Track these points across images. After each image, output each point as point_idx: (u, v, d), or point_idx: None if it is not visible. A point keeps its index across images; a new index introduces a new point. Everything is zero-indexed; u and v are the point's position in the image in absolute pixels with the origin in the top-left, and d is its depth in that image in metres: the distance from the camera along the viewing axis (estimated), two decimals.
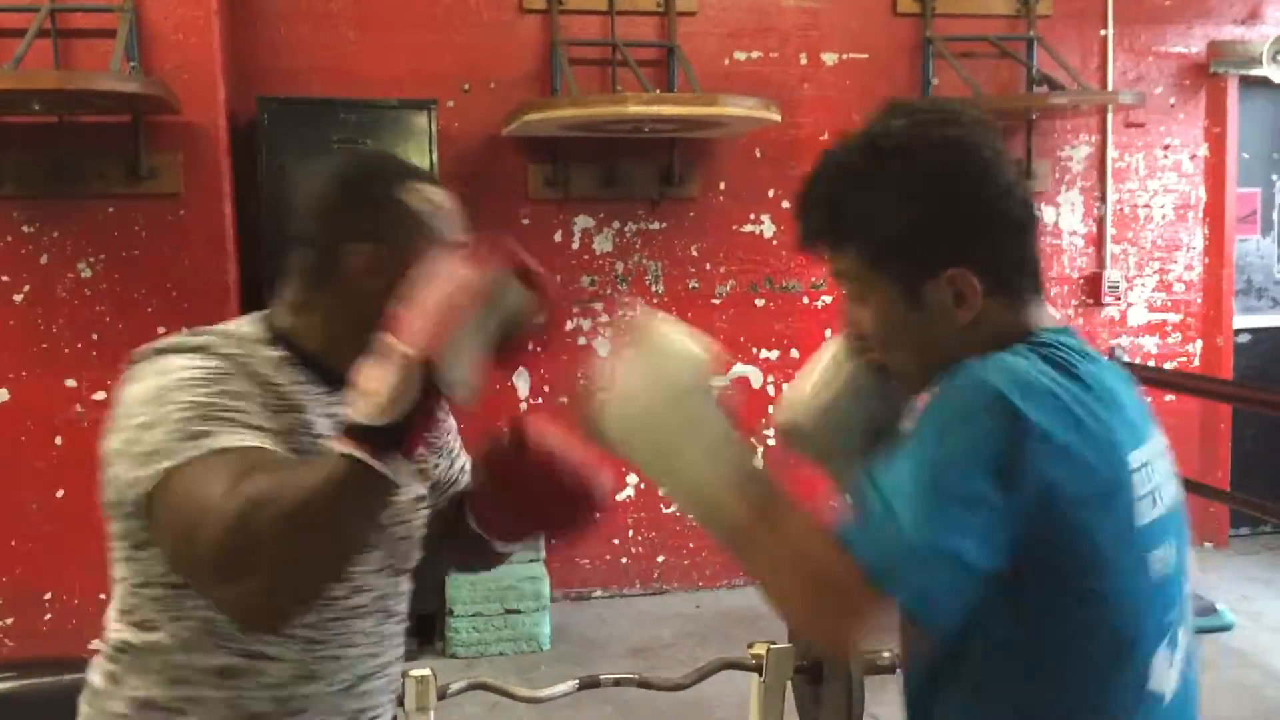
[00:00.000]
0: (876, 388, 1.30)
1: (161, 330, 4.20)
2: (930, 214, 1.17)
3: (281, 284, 1.39)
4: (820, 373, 1.35)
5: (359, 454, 1.08)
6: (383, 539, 1.38)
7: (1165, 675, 1.18)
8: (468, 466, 1.61)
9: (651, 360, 1.16)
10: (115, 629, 1.36)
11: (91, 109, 3.97)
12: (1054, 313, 1.27)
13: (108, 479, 1.27)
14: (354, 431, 1.09)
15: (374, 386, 1.09)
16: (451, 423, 1.61)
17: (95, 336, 4.22)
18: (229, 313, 4.22)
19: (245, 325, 1.37)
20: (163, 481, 1.17)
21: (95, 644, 1.41)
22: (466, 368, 1.12)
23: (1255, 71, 5.32)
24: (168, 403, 1.21)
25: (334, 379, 1.33)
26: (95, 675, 1.38)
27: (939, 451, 1.08)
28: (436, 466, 1.54)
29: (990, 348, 1.16)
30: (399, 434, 1.09)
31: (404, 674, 2.40)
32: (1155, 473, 1.18)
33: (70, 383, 4.20)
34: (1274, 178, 5.84)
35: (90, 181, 4.15)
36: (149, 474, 1.18)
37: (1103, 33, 5.36)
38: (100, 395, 4.19)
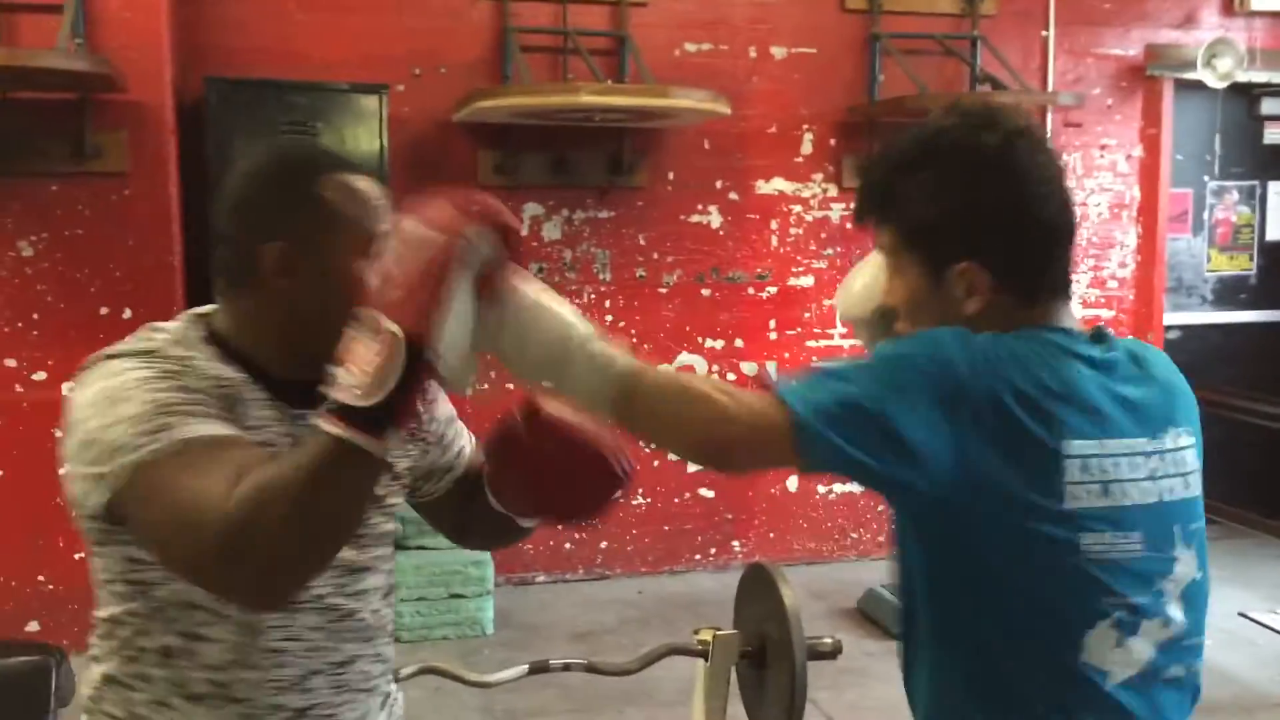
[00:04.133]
0: None
1: (104, 311, 4.16)
2: (956, 208, 1.29)
3: (214, 282, 1.38)
4: (866, 272, 1.51)
5: (348, 435, 1.07)
6: None
7: (1108, 655, 1.25)
8: (467, 450, 1.61)
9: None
10: (97, 609, 1.38)
11: (36, 86, 3.92)
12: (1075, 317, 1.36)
13: (67, 480, 1.26)
14: (341, 411, 1.08)
15: (359, 363, 1.08)
16: (446, 408, 1.60)
17: (36, 316, 4.17)
18: (173, 295, 4.19)
19: (183, 326, 1.35)
20: (132, 478, 1.17)
21: None
22: (456, 341, 1.12)
23: (1189, 75, 5.46)
24: (123, 400, 1.21)
25: (268, 378, 1.33)
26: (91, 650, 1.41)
27: (882, 363, 1.24)
28: (412, 458, 1.52)
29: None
30: (388, 412, 1.08)
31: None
32: (1121, 467, 1.25)
33: (10, 363, 4.14)
34: (1205, 179, 6.01)
35: (33, 159, 4.09)
36: (112, 470, 1.18)
37: (1044, 34, 5.48)
38: (40, 375, 4.14)
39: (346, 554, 1.38)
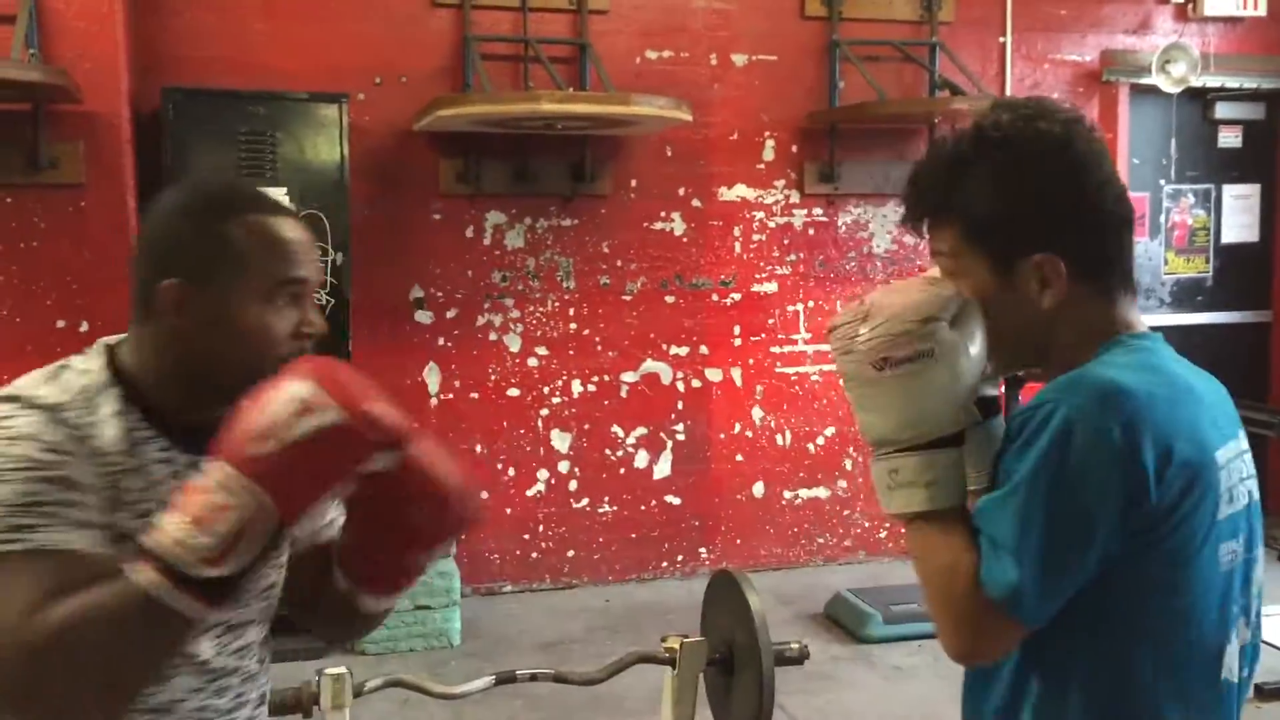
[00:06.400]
0: None
1: (61, 324, 4.11)
2: (1024, 200, 1.25)
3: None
4: (914, 284, 1.42)
5: (173, 601, 1.03)
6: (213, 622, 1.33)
7: (1233, 664, 1.26)
8: (338, 521, 1.48)
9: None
10: None
11: None
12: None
13: None
14: (167, 568, 1.03)
15: (206, 520, 1.04)
16: None
17: None
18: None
19: (92, 360, 1.31)
20: None
21: None
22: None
23: (1145, 80, 5.53)
24: (3, 481, 1.17)
25: (165, 422, 1.30)
26: None
27: (1048, 498, 1.17)
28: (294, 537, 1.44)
29: (1077, 335, 1.26)
30: (230, 583, 1.04)
31: (319, 672, 2.41)
32: (1234, 471, 1.25)
33: None
34: (1162, 183, 6.08)
35: None
36: None
37: (1001, 40, 5.53)
38: None
39: (225, 614, 1.33)
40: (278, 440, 1.06)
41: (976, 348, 1.26)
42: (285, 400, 1.08)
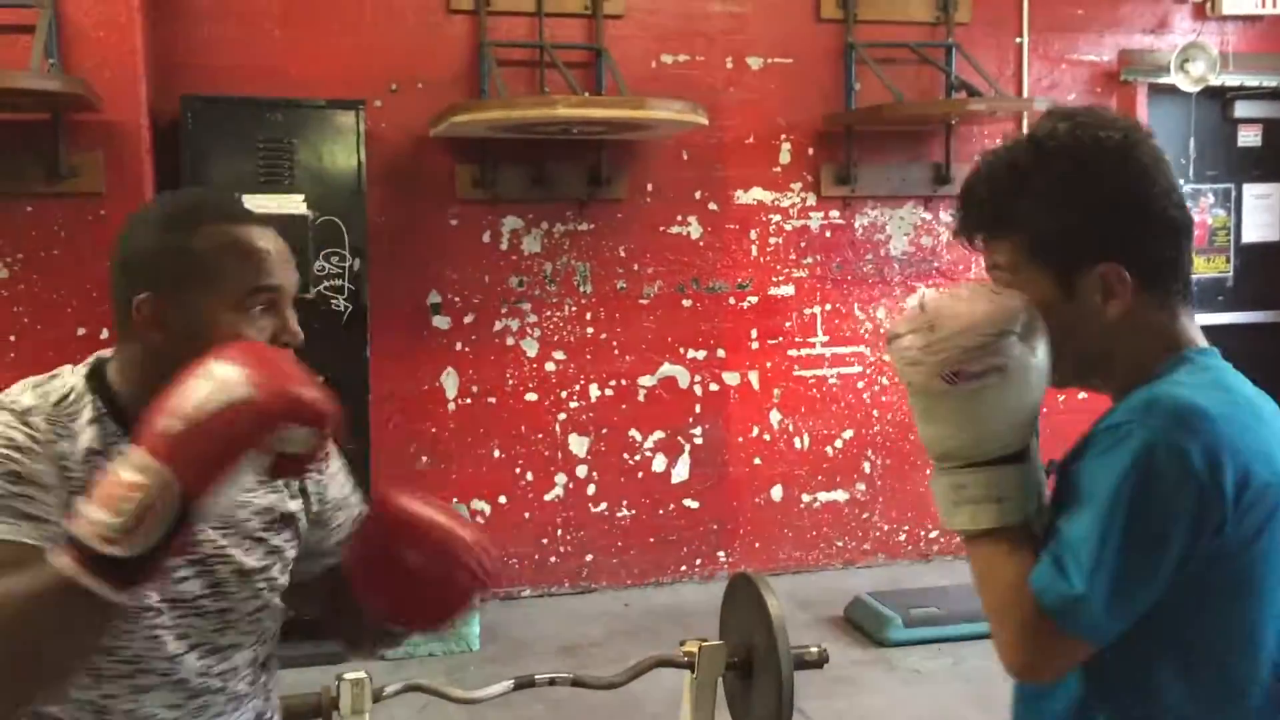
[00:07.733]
0: None
1: (81, 332, 4.14)
2: (1087, 211, 1.23)
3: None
4: (976, 291, 1.39)
5: (84, 580, 1.03)
6: (190, 616, 1.35)
7: None
8: (355, 503, 1.54)
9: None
10: None
11: (10, 107, 3.89)
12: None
13: None
14: (82, 549, 1.03)
15: (116, 501, 1.04)
16: (338, 490, 1.54)
17: (12, 338, 4.14)
18: None
19: (80, 370, 1.35)
20: None
21: None
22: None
23: (1163, 79, 5.50)
24: None
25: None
26: None
27: (1128, 517, 1.15)
28: (295, 543, 1.46)
29: (1142, 349, 1.26)
30: (141, 564, 1.04)
31: (338, 677, 2.42)
32: None
33: None
34: (1181, 182, 5.96)
35: (8, 180, 4.07)
36: None
37: (1018, 40, 5.51)
38: None
39: (209, 635, 1.36)
40: (185, 418, 1.07)
41: (1044, 362, 1.23)
42: (197, 379, 1.09)
